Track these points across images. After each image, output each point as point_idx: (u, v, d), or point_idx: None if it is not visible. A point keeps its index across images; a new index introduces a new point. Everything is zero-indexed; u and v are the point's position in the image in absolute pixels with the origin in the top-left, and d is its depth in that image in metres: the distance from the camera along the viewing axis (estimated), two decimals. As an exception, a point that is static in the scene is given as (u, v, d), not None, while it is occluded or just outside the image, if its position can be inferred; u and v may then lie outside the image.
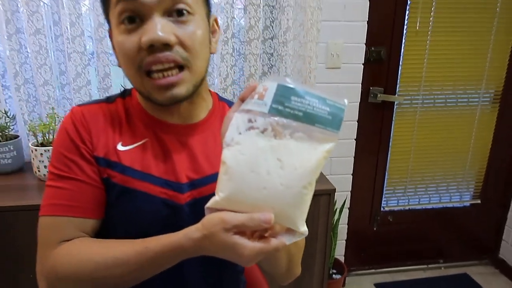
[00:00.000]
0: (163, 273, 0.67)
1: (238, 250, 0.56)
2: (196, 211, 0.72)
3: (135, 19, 0.66)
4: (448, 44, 2.00)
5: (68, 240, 0.70)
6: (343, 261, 2.21)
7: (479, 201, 2.35)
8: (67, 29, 1.59)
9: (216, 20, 0.78)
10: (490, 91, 2.15)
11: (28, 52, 1.63)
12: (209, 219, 0.58)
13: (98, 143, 0.74)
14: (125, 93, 0.82)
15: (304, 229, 0.58)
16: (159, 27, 0.64)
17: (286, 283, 0.81)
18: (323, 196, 1.58)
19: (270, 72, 1.84)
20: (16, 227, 1.37)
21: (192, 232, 0.60)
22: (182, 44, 0.67)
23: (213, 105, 0.83)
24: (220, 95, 0.89)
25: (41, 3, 1.57)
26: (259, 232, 0.58)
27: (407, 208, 2.30)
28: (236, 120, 0.58)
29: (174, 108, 0.76)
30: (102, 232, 0.75)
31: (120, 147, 0.75)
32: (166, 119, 0.77)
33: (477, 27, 2.01)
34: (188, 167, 0.76)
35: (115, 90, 1.72)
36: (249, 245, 0.56)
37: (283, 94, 0.57)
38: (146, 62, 0.66)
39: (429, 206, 2.32)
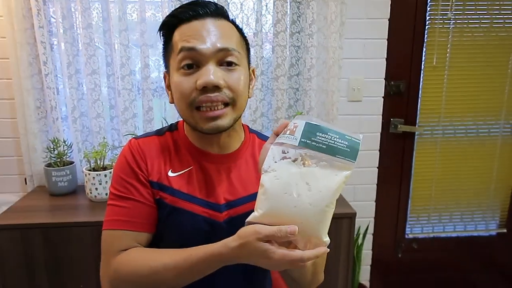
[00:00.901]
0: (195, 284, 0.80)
1: (268, 254, 0.68)
2: (232, 227, 0.85)
3: (193, 65, 0.83)
4: (465, 78, 2.12)
5: (126, 249, 0.85)
6: (368, 287, 2.27)
7: (505, 230, 2.36)
8: (118, 69, 1.83)
9: (253, 70, 0.95)
10: (511, 122, 2.22)
11: (84, 89, 1.88)
12: (244, 230, 0.70)
13: (152, 170, 0.89)
14: (171, 127, 0.98)
15: (326, 239, 0.70)
16: (212, 73, 0.80)
17: None
18: (344, 220, 1.69)
19: (295, 106, 2.01)
20: (69, 241, 1.57)
21: (229, 241, 0.72)
22: (229, 87, 0.83)
23: (245, 137, 0.98)
24: (250, 126, 1.05)
25: (96, 50, 1.83)
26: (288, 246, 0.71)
27: (431, 235, 2.34)
28: (272, 151, 0.74)
29: (214, 140, 0.91)
30: (152, 244, 0.90)
31: (170, 173, 0.89)
32: (208, 149, 0.92)
33: (493, 62, 2.11)
34: (225, 190, 0.90)
35: (157, 122, 1.93)
36: (278, 250, 0.68)
37: (310, 130, 0.72)
38: (198, 99, 0.82)
39: (454, 234, 2.36)
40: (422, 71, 2.09)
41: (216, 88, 0.81)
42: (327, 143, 0.71)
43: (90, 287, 1.60)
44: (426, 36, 2.04)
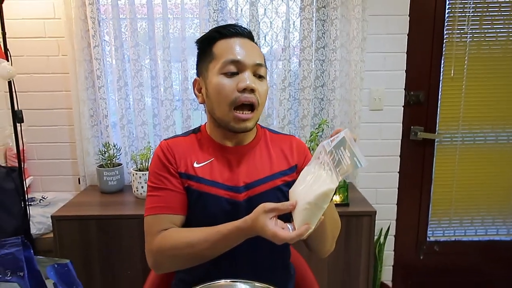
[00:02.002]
0: (222, 258, 0.98)
1: (265, 230, 0.86)
2: (250, 205, 1.02)
3: (235, 72, 1.03)
4: (483, 88, 2.23)
5: (165, 230, 1.04)
6: (391, 286, 2.38)
7: (527, 235, 2.43)
8: (161, 82, 2.07)
9: None
10: (530, 129, 2.31)
11: (131, 100, 2.13)
12: (257, 208, 0.88)
13: (180, 163, 1.07)
14: (195, 130, 1.16)
15: (299, 228, 0.85)
16: (250, 79, 1.01)
17: (325, 256, 1.12)
18: (365, 217, 1.84)
19: (320, 114, 2.18)
20: (119, 232, 1.79)
21: (247, 218, 0.90)
22: (259, 93, 1.03)
23: (257, 132, 1.17)
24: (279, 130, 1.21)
25: (142, 65, 2.08)
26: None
27: (453, 239, 2.43)
28: (318, 149, 0.92)
29: (234, 136, 1.10)
30: (185, 225, 1.08)
31: (195, 164, 1.08)
32: (226, 143, 1.11)
33: (510, 73, 2.21)
34: (244, 175, 1.09)
35: (194, 129, 2.14)
36: (271, 229, 0.85)
37: (340, 143, 0.84)
38: (239, 99, 1.00)
39: (476, 238, 2.44)
40: (440, 82, 2.21)
41: (252, 91, 1.01)
42: (340, 157, 0.82)
43: (136, 273, 1.81)
44: (444, 49, 2.17)
